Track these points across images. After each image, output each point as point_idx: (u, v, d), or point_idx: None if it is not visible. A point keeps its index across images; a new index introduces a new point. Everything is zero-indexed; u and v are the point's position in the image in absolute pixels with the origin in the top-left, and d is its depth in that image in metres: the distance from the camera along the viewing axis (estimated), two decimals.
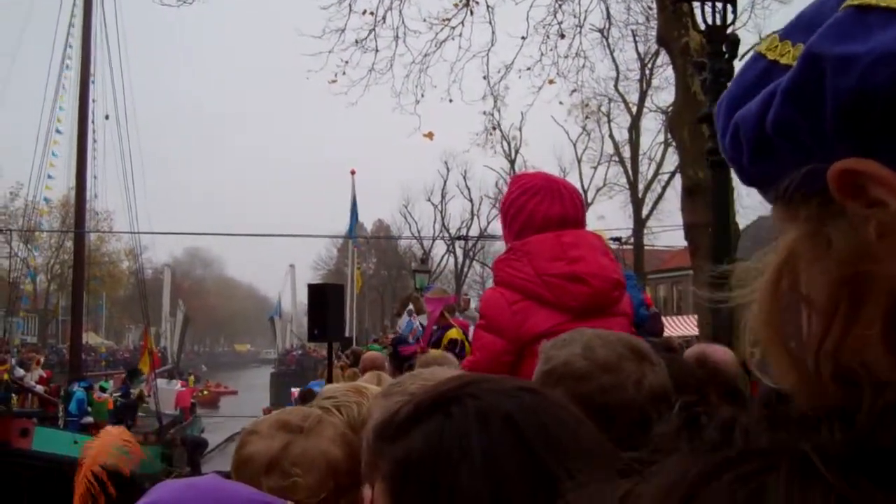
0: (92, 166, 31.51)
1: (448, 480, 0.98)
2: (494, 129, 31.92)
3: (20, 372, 28.51)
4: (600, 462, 0.98)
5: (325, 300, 10.08)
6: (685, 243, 13.65)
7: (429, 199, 76.00)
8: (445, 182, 74.30)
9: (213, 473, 1.50)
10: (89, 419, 24.18)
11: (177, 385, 38.14)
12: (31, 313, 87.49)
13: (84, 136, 30.76)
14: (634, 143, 48.49)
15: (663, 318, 9.91)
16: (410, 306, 11.81)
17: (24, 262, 43.58)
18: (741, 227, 12.39)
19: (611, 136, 50.71)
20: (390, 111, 23.76)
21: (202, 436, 35.68)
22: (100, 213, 53.65)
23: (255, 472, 1.72)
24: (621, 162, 50.13)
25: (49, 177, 32.55)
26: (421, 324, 10.68)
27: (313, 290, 10.39)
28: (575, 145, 54.66)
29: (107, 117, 31.78)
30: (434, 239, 72.31)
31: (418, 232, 72.93)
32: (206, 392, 62.41)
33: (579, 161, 53.66)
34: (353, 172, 30.68)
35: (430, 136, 25.49)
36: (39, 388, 26.81)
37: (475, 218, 72.66)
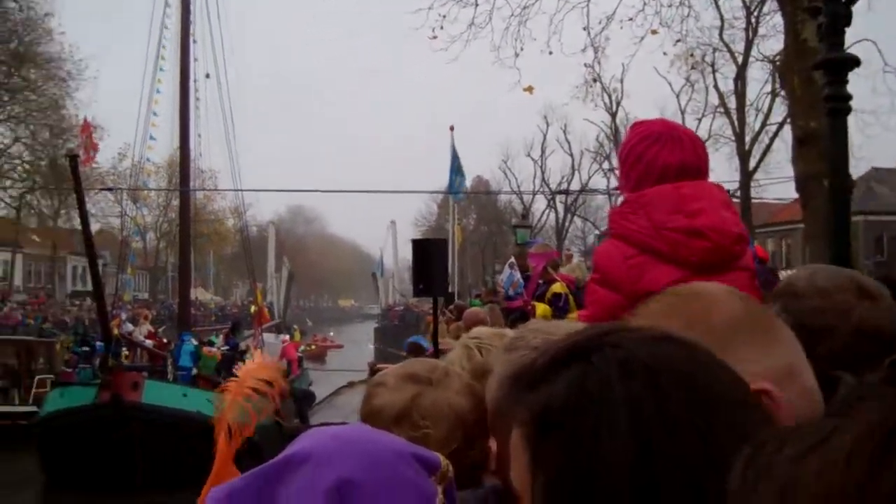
0: (195, 125, 32.03)
1: (589, 430, 0.96)
2: (595, 81, 31.45)
3: (129, 327, 29.39)
4: (748, 414, 0.99)
5: (429, 255, 10.01)
6: (794, 196, 13.20)
7: (528, 155, 75.66)
8: (545, 136, 73.80)
9: (360, 423, 1.52)
10: (193, 371, 24.81)
11: (283, 339, 38.87)
12: (141, 270, 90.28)
13: (186, 94, 31.21)
14: (740, 93, 47.32)
15: None
16: (512, 259, 11.74)
17: (133, 221, 44.77)
18: (854, 178, 11.93)
19: (715, 86, 49.67)
20: (490, 66, 23.57)
21: (310, 388, 36.38)
22: (205, 172, 54.63)
23: (384, 424, 1.69)
24: (727, 113, 49.02)
25: (151, 137, 33.10)
26: (524, 278, 10.59)
27: (418, 245, 10.34)
28: (678, 97, 53.74)
29: (207, 76, 32.22)
30: (534, 194, 72.01)
31: (518, 187, 72.71)
32: (313, 346, 63.58)
33: (683, 113, 52.60)
34: (451, 129, 30.55)
35: (529, 90, 25.22)
36: (148, 343, 27.59)
37: (576, 172, 72.13)
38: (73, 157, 20.95)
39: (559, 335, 1.18)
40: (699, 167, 3.67)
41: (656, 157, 3.59)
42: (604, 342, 1.04)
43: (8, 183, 57.71)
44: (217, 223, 78.75)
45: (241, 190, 34.91)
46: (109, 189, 55.33)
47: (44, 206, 63.60)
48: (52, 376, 27.84)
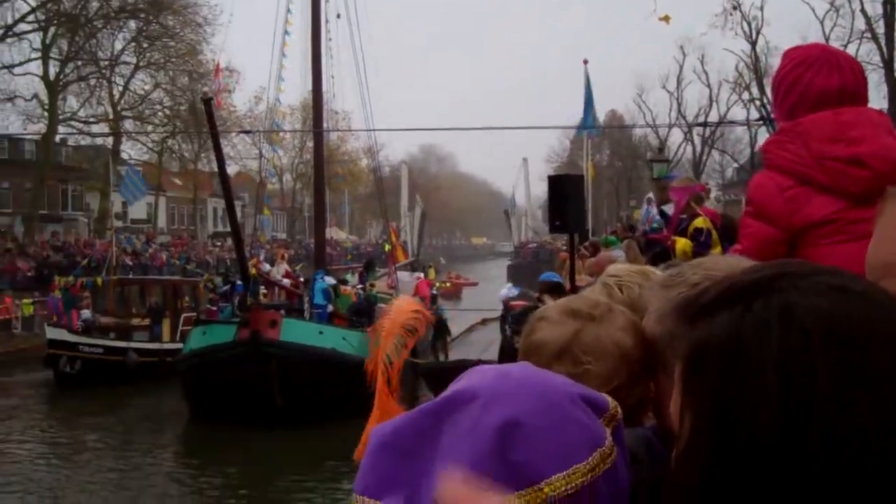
0: (327, 66, 32.16)
1: (740, 376, 0.95)
2: (735, 9, 30.30)
3: (267, 267, 30.09)
4: None
5: (565, 192, 9.93)
6: None
7: (664, 87, 73.80)
8: (681, 68, 71.82)
9: (525, 362, 1.51)
10: (329, 309, 25.20)
11: (417, 277, 39.23)
12: (279, 211, 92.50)
13: (318, 35, 31.30)
14: (889, 17, 45.03)
15: None
16: (650, 194, 11.47)
17: (270, 163, 45.68)
18: None
19: (862, 10, 47.44)
20: None
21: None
22: (339, 113, 55.22)
23: (545, 358, 1.70)
24: (874, 39, 46.81)
25: (282, 79, 33.30)
26: (662, 212, 10.31)
27: (553, 181, 10.27)
28: (822, 23, 51.42)
29: (338, 16, 32.26)
30: (670, 127, 70.41)
31: (653, 120, 71.11)
32: (448, 284, 64.08)
33: (827, 40, 50.11)
34: (585, 62, 29.94)
35: (665, 19, 24.49)
36: (285, 282, 28.17)
37: (714, 104, 70.03)
38: (207, 101, 21.41)
39: (719, 272, 1.20)
40: (858, 92, 3.46)
41: (811, 83, 3.40)
42: (771, 287, 1.00)
43: (150, 128, 59.65)
44: (351, 163, 79.71)
45: (374, 130, 35.12)
46: (246, 132, 56.52)
47: (185, 150, 65.68)
48: (196, 314, 28.86)
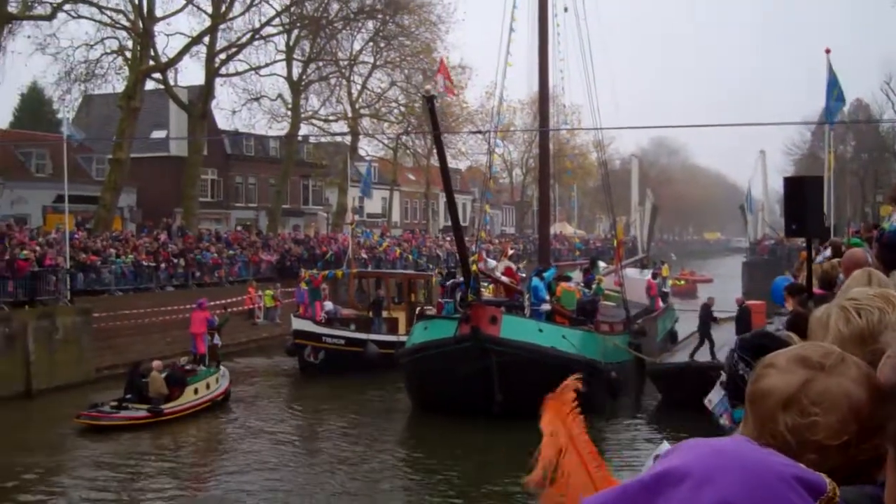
0: (554, 61, 31.43)
1: None
2: None
3: (491, 263, 29.83)
4: None
5: (802, 194, 9.37)
6: None
7: None
8: None
9: (741, 437, 1.47)
10: (547, 307, 24.43)
11: (647, 275, 37.94)
12: (508, 205, 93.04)
13: (545, 30, 30.67)
14: None
15: None
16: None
17: (501, 158, 45.56)
18: None
19: None
20: None
21: (675, 327, 35.28)
22: (567, 108, 54.41)
23: (771, 406, 1.65)
24: None
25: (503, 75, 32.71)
26: None
27: (790, 183, 9.72)
28: None
29: (566, 9, 31.48)
30: None
31: None
32: (682, 282, 62.12)
33: None
34: (827, 51, 27.82)
35: None
36: (505, 279, 27.78)
37: None
38: (429, 99, 21.28)
39: None
40: None
41: None
42: None
43: (385, 125, 61.07)
44: (581, 157, 78.89)
45: (600, 129, 34.05)
46: (475, 132, 57.00)
47: (418, 146, 66.96)
48: (431, 307, 29.12)
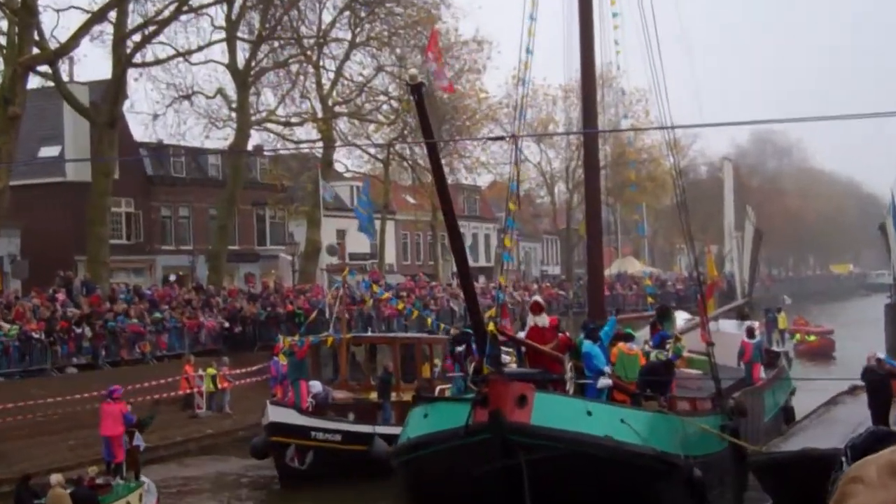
0: (601, 37, 31.05)
1: None
2: None
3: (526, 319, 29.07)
4: None
5: None
6: None
7: None
8: None
9: None
10: (607, 382, 23.93)
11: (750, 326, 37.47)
12: (549, 235, 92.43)
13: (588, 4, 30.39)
14: None
15: None
16: None
17: (537, 169, 45.32)
18: None
19: None
20: None
21: (790, 401, 34.78)
22: (627, 94, 53.93)
23: None
24: None
25: (530, 52, 32.54)
26: None
27: None
28: None
29: None
30: None
31: None
32: (812, 337, 61.89)
33: None
34: None
35: None
36: (543, 347, 27.03)
37: None
38: (415, 88, 20.22)
39: None
40: None
41: None
42: None
43: (371, 128, 60.83)
44: (652, 163, 78.33)
45: (667, 128, 33.44)
46: (499, 139, 56.50)
47: (418, 155, 65.85)
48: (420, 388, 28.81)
